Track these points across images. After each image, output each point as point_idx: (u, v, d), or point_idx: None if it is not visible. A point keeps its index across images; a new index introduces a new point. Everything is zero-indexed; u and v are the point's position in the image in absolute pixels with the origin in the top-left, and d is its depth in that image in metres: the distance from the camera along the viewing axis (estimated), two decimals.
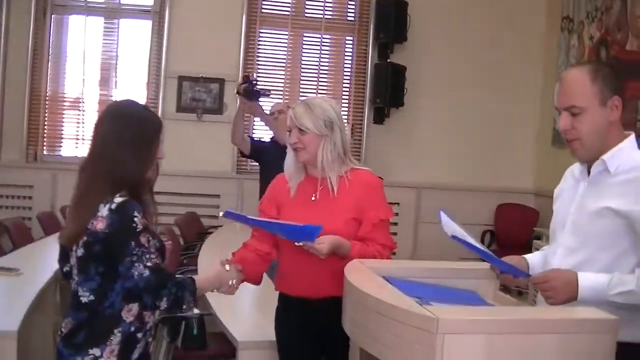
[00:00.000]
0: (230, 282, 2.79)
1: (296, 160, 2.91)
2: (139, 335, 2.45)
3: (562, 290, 2.19)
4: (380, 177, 3.03)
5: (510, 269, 2.37)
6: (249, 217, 2.82)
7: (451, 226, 2.41)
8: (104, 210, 2.35)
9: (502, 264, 2.36)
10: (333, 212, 2.82)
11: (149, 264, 2.35)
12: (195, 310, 3.90)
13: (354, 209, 2.82)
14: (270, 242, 2.96)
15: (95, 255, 2.36)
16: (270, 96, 7.41)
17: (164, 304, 2.39)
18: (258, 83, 5.24)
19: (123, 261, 2.34)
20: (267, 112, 5.55)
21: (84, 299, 2.40)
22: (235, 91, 5.14)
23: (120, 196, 2.38)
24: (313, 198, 2.89)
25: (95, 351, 2.38)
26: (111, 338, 2.39)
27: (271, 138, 5.57)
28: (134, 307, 2.41)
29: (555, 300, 2.20)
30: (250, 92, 5.15)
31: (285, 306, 3.03)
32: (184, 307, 2.43)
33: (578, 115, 2.26)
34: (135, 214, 2.35)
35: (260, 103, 5.47)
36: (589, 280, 2.17)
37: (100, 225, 2.34)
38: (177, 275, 2.41)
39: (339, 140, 2.85)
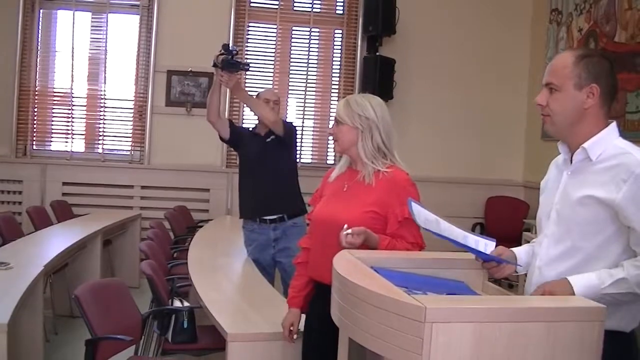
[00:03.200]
0: (290, 328, 3.06)
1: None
2: None
3: (560, 292, 2.17)
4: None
5: (492, 257, 2.37)
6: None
7: (423, 215, 2.41)
8: None
9: (479, 253, 2.37)
10: (354, 204, 2.88)
11: None
12: (186, 304, 3.93)
13: (376, 203, 2.85)
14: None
15: None
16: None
17: None
18: (238, 54, 4.65)
19: None
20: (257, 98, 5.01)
21: None
22: (212, 63, 4.56)
23: None
24: (345, 188, 2.97)
25: None
26: None
27: (252, 129, 5.15)
28: None
29: None
30: (229, 63, 4.53)
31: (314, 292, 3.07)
32: None
33: (554, 92, 2.29)
34: None
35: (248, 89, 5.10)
36: (581, 280, 2.16)
37: None
38: None
39: (378, 137, 2.95)
